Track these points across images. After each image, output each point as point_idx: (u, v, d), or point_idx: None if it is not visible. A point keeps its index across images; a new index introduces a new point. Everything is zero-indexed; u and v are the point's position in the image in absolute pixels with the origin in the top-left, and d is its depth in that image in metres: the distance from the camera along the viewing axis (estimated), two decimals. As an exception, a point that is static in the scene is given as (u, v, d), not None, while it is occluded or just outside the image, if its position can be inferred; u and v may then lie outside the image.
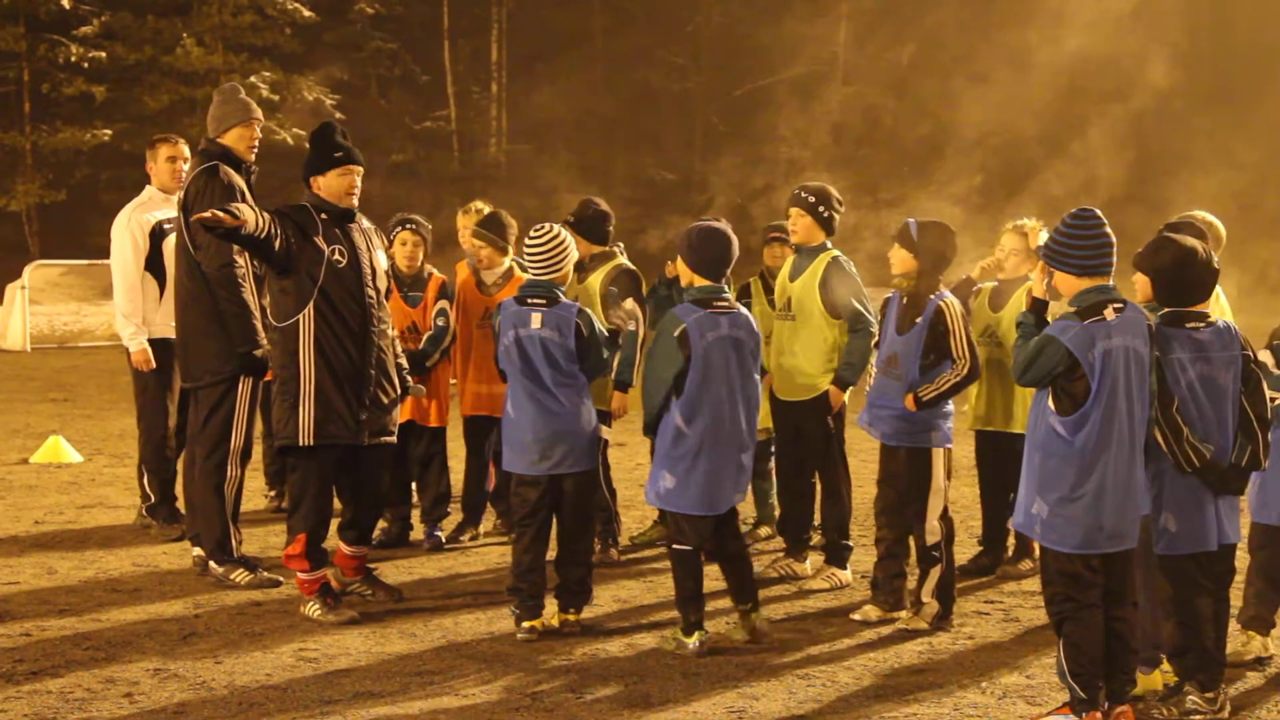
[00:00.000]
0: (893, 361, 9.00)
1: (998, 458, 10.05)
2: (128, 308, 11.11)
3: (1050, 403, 6.93)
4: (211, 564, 9.83)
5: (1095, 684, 6.88)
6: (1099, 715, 6.86)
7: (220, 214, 8.54)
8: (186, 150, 11.42)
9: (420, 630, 8.72)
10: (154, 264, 11.12)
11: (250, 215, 8.64)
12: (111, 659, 8.05)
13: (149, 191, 11.38)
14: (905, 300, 9.02)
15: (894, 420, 8.95)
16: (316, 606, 8.93)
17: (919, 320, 8.89)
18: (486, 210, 11.39)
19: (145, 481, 11.40)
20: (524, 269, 10.95)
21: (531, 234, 8.86)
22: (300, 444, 8.94)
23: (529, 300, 8.78)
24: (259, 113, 10.16)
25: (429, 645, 8.42)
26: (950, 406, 9.05)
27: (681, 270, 8.59)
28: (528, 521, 8.69)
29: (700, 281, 8.47)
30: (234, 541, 9.86)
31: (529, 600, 8.61)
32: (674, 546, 8.46)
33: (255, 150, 10.09)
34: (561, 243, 8.87)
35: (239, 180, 9.81)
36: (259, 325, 9.74)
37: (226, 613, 9.09)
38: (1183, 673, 7.23)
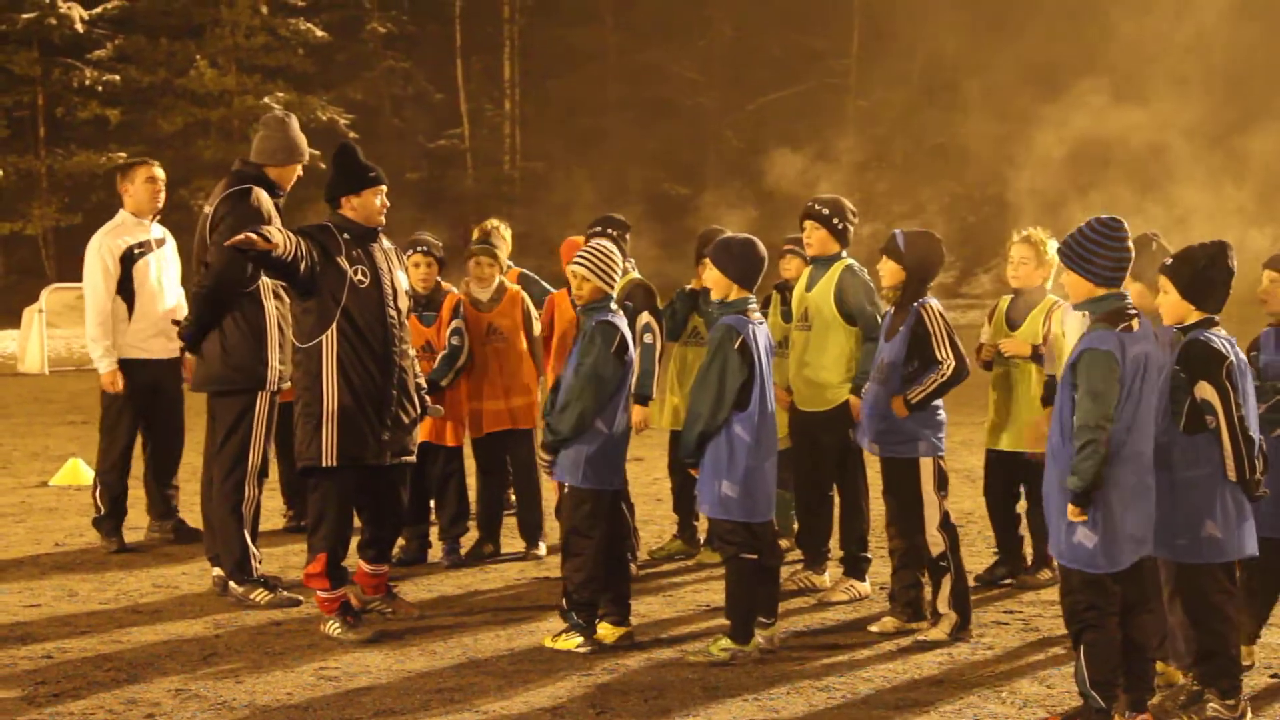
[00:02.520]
0: (882, 369, 9.04)
1: (1001, 473, 10.03)
2: (96, 331, 11.37)
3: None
4: (231, 584, 9.85)
5: (1114, 694, 6.88)
6: None
7: (253, 236, 8.60)
8: (161, 172, 11.52)
9: (440, 647, 8.73)
10: (124, 288, 11.35)
11: (280, 238, 8.69)
12: (133, 680, 8.07)
13: (121, 216, 11.58)
14: (894, 310, 9.08)
15: (881, 429, 8.98)
16: (337, 625, 8.94)
17: (902, 327, 8.93)
18: (503, 228, 11.59)
19: (97, 494, 11.63)
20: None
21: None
22: (323, 466, 8.96)
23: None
24: (308, 153, 10.26)
25: (449, 662, 8.43)
26: (942, 416, 9.05)
27: (717, 281, 8.62)
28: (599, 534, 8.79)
29: (738, 292, 8.53)
30: (253, 561, 9.89)
31: (623, 607, 8.80)
32: (742, 556, 8.45)
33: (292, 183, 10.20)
34: None
35: (269, 204, 9.85)
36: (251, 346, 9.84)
37: (247, 632, 9.11)
38: (1204, 679, 7.21)
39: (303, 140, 10.16)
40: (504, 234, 12.25)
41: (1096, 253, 6.97)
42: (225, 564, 9.92)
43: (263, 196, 9.82)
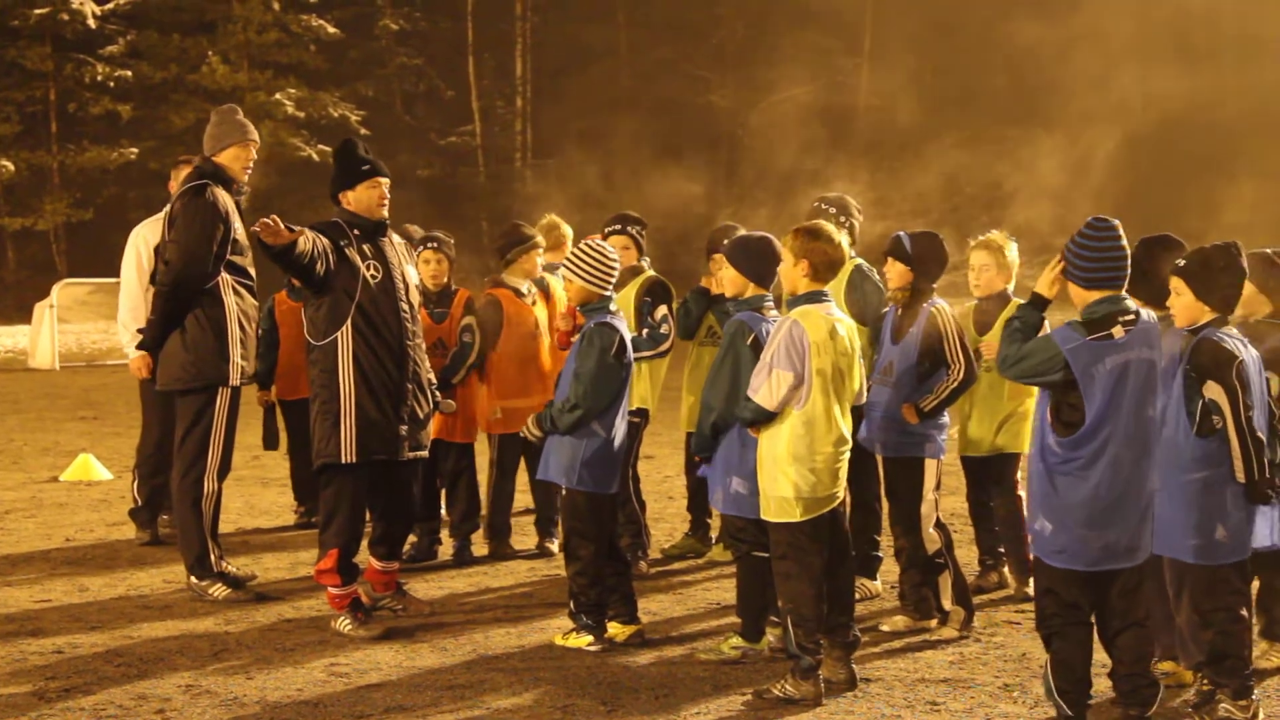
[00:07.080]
0: (888, 370, 9.02)
1: (986, 479, 9.93)
2: (127, 318, 11.50)
3: (1049, 419, 6.86)
4: (191, 578, 9.88)
5: (1082, 703, 6.83)
6: None
7: (269, 223, 8.52)
8: None
9: (451, 644, 8.73)
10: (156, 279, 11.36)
11: (301, 239, 8.67)
12: (143, 675, 8.08)
13: (167, 209, 11.58)
14: (900, 311, 9.06)
15: (888, 430, 8.97)
16: (347, 621, 8.94)
17: (913, 329, 8.92)
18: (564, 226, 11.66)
19: (135, 486, 11.72)
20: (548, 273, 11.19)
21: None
22: (343, 462, 8.96)
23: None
24: (255, 134, 10.24)
25: (460, 659, 8.43)
26: (946, 418, 9.06)
27: (732, 279, 8.55)
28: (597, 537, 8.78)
29: (753, 290, 8.47)
30: (213, 556, 9.90)
31: (631, 605, 8.82)
32: (754, 553, 8.40)
33: (249, 170, 10.16)
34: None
35: (225, 200, 9.87)
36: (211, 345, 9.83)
37: (258, 629, 9.12)
38: (1216, 680, 7.18)
39: (246, 123, 10.13)
40: (564, 230, 12.13)
41: (1082, 255, 6.91)
42: (185, 558, 9.94)
43: (218, 192, 9.84)
